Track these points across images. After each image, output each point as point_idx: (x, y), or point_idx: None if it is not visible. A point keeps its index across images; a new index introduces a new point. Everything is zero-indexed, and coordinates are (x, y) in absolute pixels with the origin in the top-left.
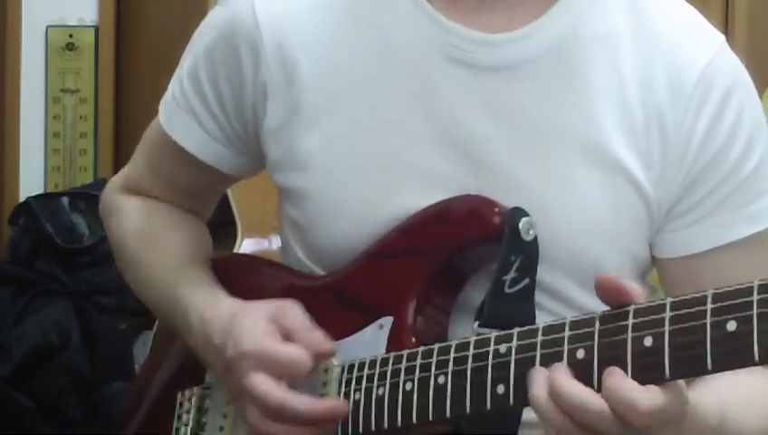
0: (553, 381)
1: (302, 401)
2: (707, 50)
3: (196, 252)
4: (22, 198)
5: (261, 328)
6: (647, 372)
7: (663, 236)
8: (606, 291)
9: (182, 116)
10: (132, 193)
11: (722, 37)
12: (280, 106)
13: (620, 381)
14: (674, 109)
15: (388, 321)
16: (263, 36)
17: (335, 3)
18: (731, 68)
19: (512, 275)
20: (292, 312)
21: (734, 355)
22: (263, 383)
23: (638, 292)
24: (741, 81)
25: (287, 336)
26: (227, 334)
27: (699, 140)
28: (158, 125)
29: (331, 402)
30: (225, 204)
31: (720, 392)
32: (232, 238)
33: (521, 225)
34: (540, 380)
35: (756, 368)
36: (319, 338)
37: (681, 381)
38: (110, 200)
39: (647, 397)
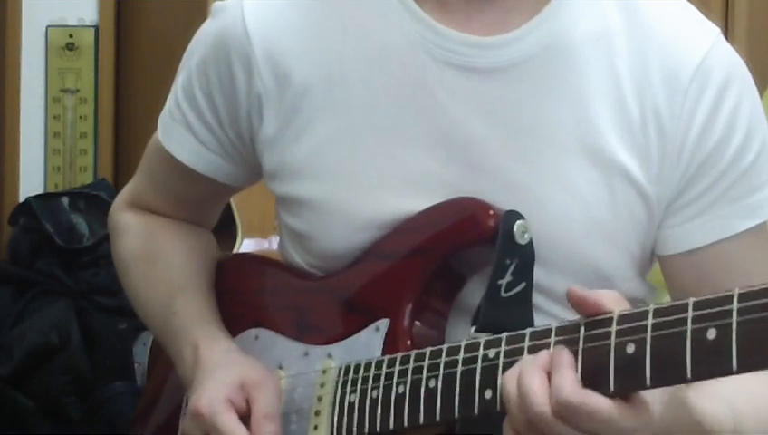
0: (520, 372)
1: None
2: (703, 43)
3: (196, 270)
4: (22, 198)
5: (224, 393)
6: (628, 380)
7: (663, 233)
8: (574, 303)
9: (177, 129)
10: (136, 208)
11: (717, 30)
12: (275, 114)
13: (563, 380)
14: (670, 104)
15: (384, 323)
16: (253, 46)
17: (325, 10)
18: (727, 60)
19: (507, 279)
20: (266, 393)
21: (713, 364)
22: None
23: (612, 298)
24: (737, 73)
25: (247, 411)
26: (202, 381)
27: (697, 134)
28: (156, 139)
29: None
30: (225, 204)
31: (734, 402)
32: (232, 239)
33: (515, 228)
34: (515, 367)
35: None
36: (273, 432)
37: (648, 399)
38: (114, 219)
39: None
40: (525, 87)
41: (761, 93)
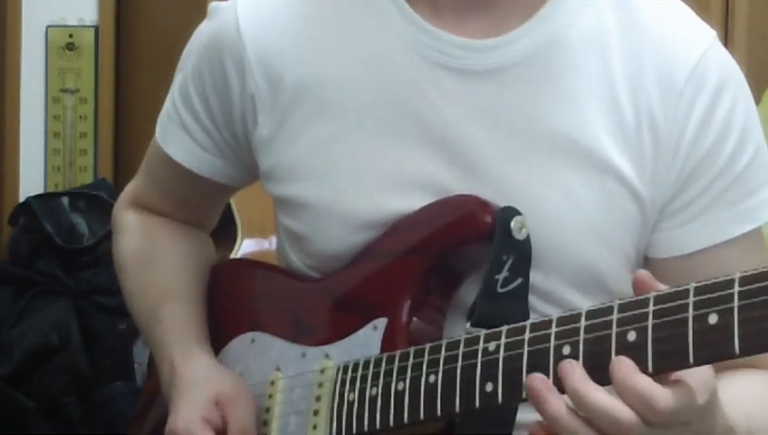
0: (577, 393)
1: None
2: (699, 45)
3: (187, 277)
4: (22, 198)
5: (199, 414)
6: None
7: (657, 236)
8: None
9: (174, 130)
10: (137, 206)
11: (712, 33)
12: (269, 116)
13: (634, 377)
14: (665, 106)
15: (382, 322)
16: (247, 49)
17: (319, 12)
18: (722, 64)
19: (504, 274)
20: (240, 408)
21: (715, 348)
22: None
23: None
24: (732, 76)
25: (223, 428)
26: (177, 401)
27: (691, 137)
28: (155, 140)
29: None
30: (225, 204)
31: (746, 406)
32: (232, 239)
33: (512, 223)
34: (555, 398)
35: None
36: None
37: (696, 381)
38: (116, 217)
39: (665, 396)
40: (519, 89)
41: (760, 95)
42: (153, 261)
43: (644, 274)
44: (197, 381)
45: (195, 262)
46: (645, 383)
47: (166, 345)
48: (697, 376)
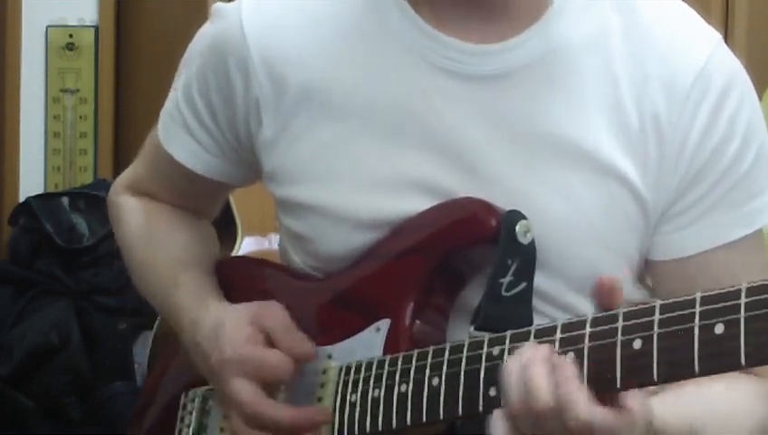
0: (527, 361)
1: (278, 410)
2: (703, 50)
3: (195, 252)
4: (22, 198)
5: (244, 334)
6: (635, 375)
7: (656, 239)
8: (603, 292)
9: (177, 130)
10: (135, 192)
11: (717, 36)
12: (273, 118)
13: (571, 383)
14: (670, 110)
15: (385, 323)
16: (251, 52)
17: (323, 16)
18: (727, 67)
19: (509, 278)
20: (273, 313)
21: (721, 358)
22: (241, 391)
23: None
24: (737, 79)
25: (268, 338)
26: (213, 341)
27: (696, 140)
28: (156, 134)
29: (311, 410)
30: (224, 203)
31: (694, 410)
32: (232, 238)
33: (517, 227)
34: (521, 354)
35: (742, 378)
36: (298, 339)
37: (638, 406)
38: (115, 201)
39: (591, 408)
40: (522, 93)
41: (760, 94)
42: (162, 237)
43: (608, 278)
44: (222, 321)
45: (201, 239)
46: (586, 402)
47: (186, 307)
48: (636, 399)
